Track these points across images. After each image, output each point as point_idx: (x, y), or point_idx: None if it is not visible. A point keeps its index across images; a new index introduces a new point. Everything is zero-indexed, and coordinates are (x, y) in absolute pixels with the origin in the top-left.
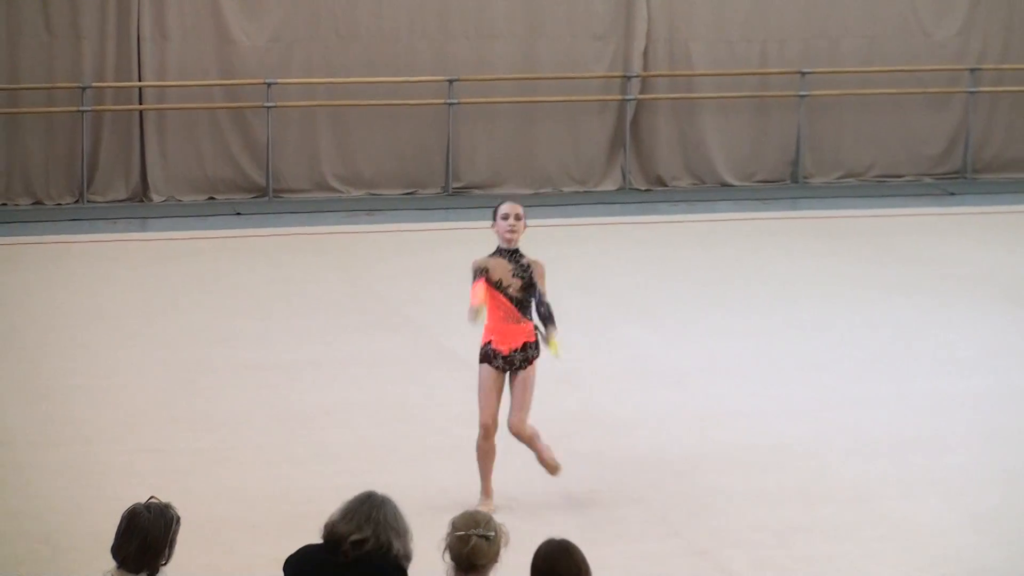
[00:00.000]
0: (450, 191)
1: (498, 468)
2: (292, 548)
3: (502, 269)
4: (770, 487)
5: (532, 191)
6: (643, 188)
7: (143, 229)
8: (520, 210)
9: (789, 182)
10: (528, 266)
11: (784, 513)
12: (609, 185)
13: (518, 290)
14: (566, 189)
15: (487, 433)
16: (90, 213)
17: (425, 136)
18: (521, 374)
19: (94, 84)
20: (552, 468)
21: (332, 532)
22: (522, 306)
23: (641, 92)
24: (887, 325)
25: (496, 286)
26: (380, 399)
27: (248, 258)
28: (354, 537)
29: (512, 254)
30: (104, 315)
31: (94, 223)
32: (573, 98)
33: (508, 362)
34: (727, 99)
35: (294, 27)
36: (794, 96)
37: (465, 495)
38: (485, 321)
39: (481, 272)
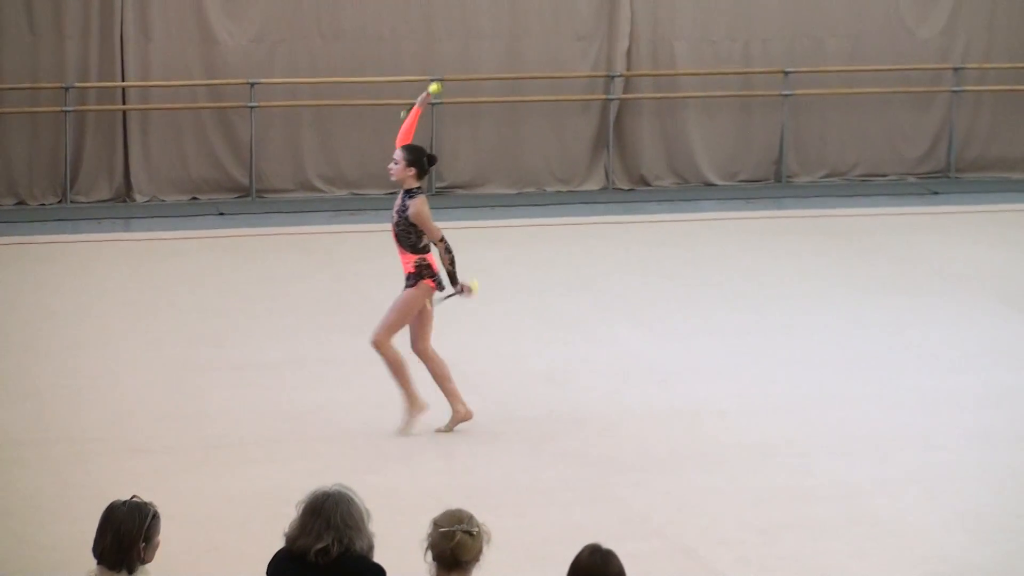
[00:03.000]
0: (433, 191)
1: (480, 465)
2: (277, 547)
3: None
4: (755, 485)
5: (516, 191)
6: (627, 188)
7: (127, 229)
8: (397, 154)
9: (773, 181)
10: (406, 208)
11: (769, 511)
12: (592, 185)
13: (394, 224)
14: (550, 189)
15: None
16: (74, 213)
17: None
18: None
19: (77, 84)
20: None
21: (293, 545)
22: (399, 240)
23: (624, 92)
24: (872, 323)
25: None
26: (366, 398)
27: (232, 258)
28: (317, 547)
29: (403, 192)
30: (89, 315)
31: (78, 223)
32: (557, 98)
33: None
34: (711, 98)
35: (277, 27)
36: (778, 95)
37: (452, 495)
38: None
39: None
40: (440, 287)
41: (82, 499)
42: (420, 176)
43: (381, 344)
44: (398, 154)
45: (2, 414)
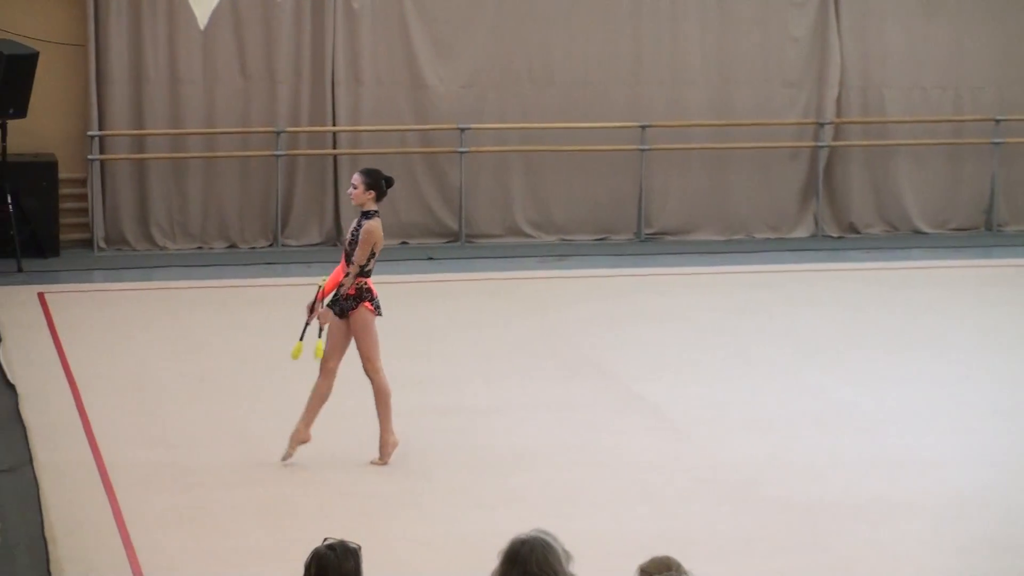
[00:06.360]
0: (642, 237)
1: (684, 511)
2: None
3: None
4: (959, 535)
5: (725, 237)
6: (836, 235)
7: None
8: (355, 178)
9: (983, 230)
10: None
11: (972, 561)
12: (802, 232)
13: (347, 243)
14: (759, 235)
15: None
16: (284, 257)
17: (617, 182)
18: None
19: (288, 128)
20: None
21: None
22: (348, 260)
23: (834, 139)
24: None
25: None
26: (570, 444)
27: (441, 302)
28: None
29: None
30: (299, 359)
31: (288, 267)
32: (766, 145)
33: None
34: (921, 146)
35: (488, 72)
36: (988, 143)
37: (657, 541)
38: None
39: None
40: (378, 311)
41: (291, 542)
42: (379, 198)
43: (377, 374)
44: (356, 178)
45: (212, 455)
